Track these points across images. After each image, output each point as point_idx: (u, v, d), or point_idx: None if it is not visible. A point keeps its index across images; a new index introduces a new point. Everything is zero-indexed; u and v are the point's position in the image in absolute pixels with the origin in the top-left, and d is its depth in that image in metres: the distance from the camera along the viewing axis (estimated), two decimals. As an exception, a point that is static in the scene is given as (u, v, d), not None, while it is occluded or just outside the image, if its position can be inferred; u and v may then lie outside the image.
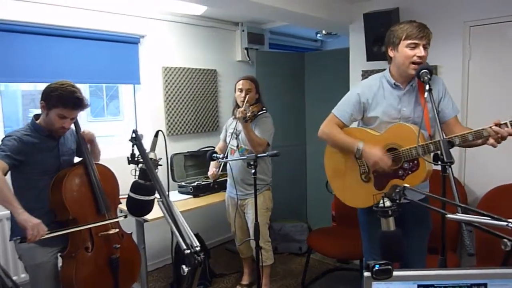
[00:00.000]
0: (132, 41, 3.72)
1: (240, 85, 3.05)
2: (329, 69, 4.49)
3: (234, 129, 3.09)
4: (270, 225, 4.18)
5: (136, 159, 1.52)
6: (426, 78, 1.82)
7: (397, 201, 1.47)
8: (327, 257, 3.70)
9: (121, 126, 7.50)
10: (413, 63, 1.96)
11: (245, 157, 2.52)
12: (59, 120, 2.16)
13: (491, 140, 1.76)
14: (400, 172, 2.00)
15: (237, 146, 3.05)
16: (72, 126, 2.33)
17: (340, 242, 3.23)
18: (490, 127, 1.73)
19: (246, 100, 2.87)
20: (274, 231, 4.19)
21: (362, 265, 3.20)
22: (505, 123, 1.71)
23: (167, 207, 1.12)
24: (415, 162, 1.94)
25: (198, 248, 1.00)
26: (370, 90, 2.13)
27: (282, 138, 4.59)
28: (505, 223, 0.93)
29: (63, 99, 2.12)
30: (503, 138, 1.74)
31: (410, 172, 1.98)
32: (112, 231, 2.35)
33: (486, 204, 2.89)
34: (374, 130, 2.13)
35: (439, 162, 1.58)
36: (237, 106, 3.10)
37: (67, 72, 3.27)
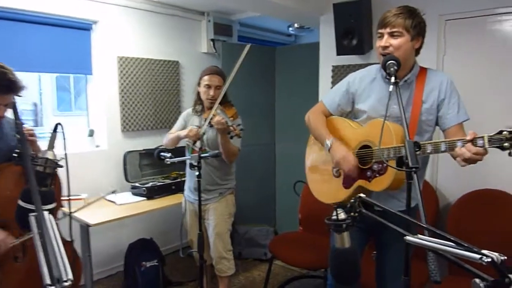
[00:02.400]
0: (83, 27, 3.39)
1: (207, 80, 2.59)
2: (301, 65, 4.25)
3: (197, 127, 2.69)
4: (235, 229, 3.93)
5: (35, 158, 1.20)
6: (392, 69, 1.58)
7: (353, 214, 1.23)
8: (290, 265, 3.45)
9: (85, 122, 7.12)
10: (382, 52, 1.74)
11: (189, 157, 2.24)
12: None
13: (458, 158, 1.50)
14: (368, 173, 1.78)
15: (201, 148, 2.69)
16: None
17: (304, 250, 3.00)
18: (463, 145, 1.46)
19: (212, 99, 2.51)
20: (238, 235, 3.94)
21: (326, 273, 2.98)
22: (482, 137, 1.41)
23: (39, 222, 0.83)
24: (385, 165, 1.70)
25: (67, 284, 0.72)
26: (361, 81, 1.93)
27: (250, 137, 4.31)
28: (477, 256, 0.69)
29: None
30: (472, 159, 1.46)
31: (377, 175, 1.75)
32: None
33: (457, 211, 2.76)
34: (357, 124, 1.93)
35: (404, 167, 1.34)
36: (199, 100, 2.72)
37: (8, 58, 2.89)
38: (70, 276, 0.77)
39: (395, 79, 1.54)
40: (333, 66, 3.47)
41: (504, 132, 1.31)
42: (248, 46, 2.23)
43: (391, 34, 1.72)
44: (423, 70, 1.86)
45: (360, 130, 1.88)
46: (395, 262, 1.88)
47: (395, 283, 1.91)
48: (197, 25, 4.17)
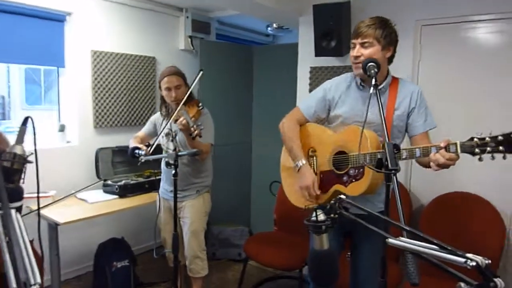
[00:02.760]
0: (57, 18, 3.26)
1: (166, 83, 2.54)
2: (279, 65, 4.25)
3: (169, 129, 2.62)
4: (209, 229, 3.87)
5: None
6: (373, 71, 1.59)
7: (332, 215, 1.22)
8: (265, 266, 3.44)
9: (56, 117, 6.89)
10: (354, 62, 1.84)
11: (166, 155, 2.19)
12: None
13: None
14: (345, 178, 1.82)
15: (175, 149, 2.63)
16: None
17: (279, 250, 2.99)
18: (437, 151, 1.50)
19: (176, 100, 2.50)
20: (212, 236, 3.89)
21: (300, 274, 2.98)
22: (455, 144, 1.46)
23: (6, 221, 0.77)
24: (361, 170, 1.75)
25: (35, 287, 0.67)
26: (337, 88, 1.98)
27: (226, 136, 4.30)
28: (462, 260, 0.68)
29: None
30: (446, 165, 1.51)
31: (354, 180, 1.79)
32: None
33: (430, 213, 2.82)
34: (332, 130, 1.96)
35: (383, 170, 1.34)
36: (164, 103, 2.69)
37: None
38: (38, 279, 0.72)
39: (375, 81, 1.54)
40: (311, 67, 3.48)
41: (475, 139, 1.37)
42: (201, 72, 2.36)
43: (363, 44, 1.79)
44: (395, 80, 1.95)
45: (335, 137, 1.91)
46: (369, 262, 1.94)
47: (369, 283, 1.94)
48: (175, 21, 4.10)
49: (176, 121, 2.39)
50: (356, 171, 1.77)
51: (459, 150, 1.44)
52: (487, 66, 2.70)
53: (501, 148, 1.31)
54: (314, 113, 2.00)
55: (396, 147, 1.40)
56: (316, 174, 1.94)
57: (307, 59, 3.49)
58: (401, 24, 2.94)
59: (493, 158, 1.34)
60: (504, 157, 1.31)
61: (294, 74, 3.64)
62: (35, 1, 3.01)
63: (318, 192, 1.86)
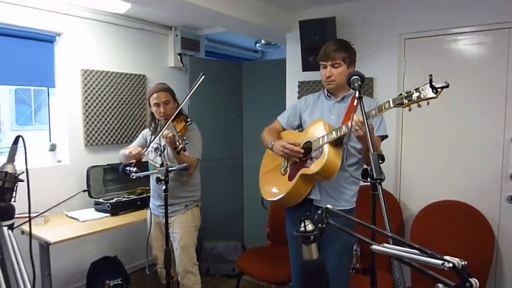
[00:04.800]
0: (47, 39, 3.29)
1: (155, 99, 2.59)
2: (268, 80, 4.31)
3: (158, 144, 2.71)
4: (202, 245, 3.87)
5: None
6: (356, 84, 1.66)
7: (320, 224, 1.25)
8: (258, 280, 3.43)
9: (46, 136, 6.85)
10: (326, 81, 2.15)
11: (156, 171, 2.21)
12: None
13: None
14: (308, 161, 2.07)
15: (162, 164, 2.69)
16: None
17: (272, 264, 2.99)
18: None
19: (165, 116, 2.57)
20: (205, 252, 3.88)
21: None
22: (388, 101, 1.68)
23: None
24: (321, 150, 2.01)
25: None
26: (307, 99, 2.36)
27: (218, 151, 4.32)
28: (440, 262, 0.72)
29: None
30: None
31: (315, 160, 2.03)
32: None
33: (420, 222, 2.85)
34: (300, 131, 2.30)
35: (368, 179, 1.38)
36: (153, 119, 2.74)
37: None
38: (31, 294, 0.73)
39: (359, 93, 1.61)
40: (299, 81, 3.55)
41: (403, 93, 1.60)
42: (202, 76, 2.54)
43: (333, 66, 2.11)
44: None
45: (302, 133, 2.24)
46: (334, 262, 2.07)
47: (335, 283, 2.00)
48: (164, 39, 4.15)
49: (164, 137, 2.43)
50: (317, 152, 2.03)
51: (391, 104, 1.65)
52: (470, 76, 2.78)
53: (423, 94, 1.52)
54: (288, 120, 2.37)
55: (381, 157, 1.44)
56: (286, 166, 2.22)
57: (295, 74, 3.56)
58: (385, 38, 3.07)
59: (419, 105, 1.56)
60: (428, 103, 1.54)
61: (283, 89, 3.70)
62: (25, 22, 3.04)
63: (297, 146, 2.10)
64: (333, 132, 1.93)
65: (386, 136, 2.14)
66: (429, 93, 1.50)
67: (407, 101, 1.56)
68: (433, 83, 1.49)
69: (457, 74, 2.81)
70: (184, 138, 2.32)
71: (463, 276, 0.68)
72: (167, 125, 2.45)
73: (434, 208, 2.82)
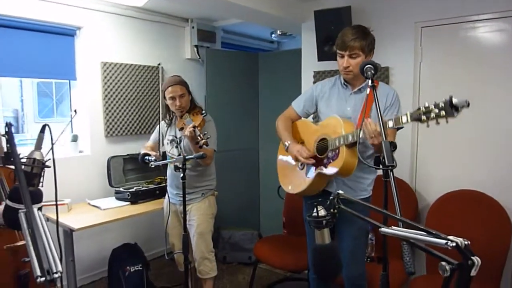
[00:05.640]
0: (68, 33, 3.39)
1: (170, 93, 2.64)
2: (284, 70, 4.33)
3: (173, 136, 2.79)
4: (219, 233, 3.95)
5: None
6: (369, 73, 1.67)
7: (332, 210, 1.29)
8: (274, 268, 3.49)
9: (69, 127, 7.01)
10: (344, 71, 2.09)
11: (174, 159, 2.27)
12: None
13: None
14: (325, 161, 2.08)
15: (179, 155, 2.76)
16: None
17: (288, 252, 3.04)
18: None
19: (180, 108, 2.63)
20: (223, 240, 3.96)
21: (309, 275, 3.02)
22: (406, 114, 1.64)
23: (30, 220, 0.85)
24: (337, 151, 2.01)
25: (57, 275, 0.75)
26: (323, 86, 2.29)
27: (234, 142, 4.38)
28: (443, 241, 0.74)
29: None
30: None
31: (331, 161, 2.04)
32: (21, 243, 2.03)
33: (436, 211, 2.84)
34: (316, 123, 2.27)
35: (380, 166, 1.40)
36: (168, 112, 2.81)
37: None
38: (60, 268, 0.80)
39: (372, 82, 1.62)
40: (314, 71, 3.55)
41: (421, 108, 1.53)
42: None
43: (350, 56, 2.03)
44: (375, 82, 2.08)
45: (316, 127, 2.22)
46: (350, 246, 2.17)
47: (351, 264, 2.17)
48: (181, 31, 4.21)
49: (181, 129, 2.52)
50: (334, 153, 2.03)
51: (409, 119, 1.60)
52: (489, 65, 2.73)
53: (442, 113, 1.43)
54: (303, 107, 2.33)
55: (393, 145, 1.46)
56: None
57: (310, 63, 3.57)
58: (401, 26, 3.05)
59: (437, 123, 1.47)
60: (446, 121, 1.45)
61: (298, 79, 3.71)
62: (46, 17, 3.13)
63: (308, 152, 2.13)
64: (349, 135, 1.90)
65: (402, 127, 2.12)
66: (449, 112, 1.42)
67: (425, 118, 1.50)
68: (454, 103, 1.42)
69: (475, 63, 2.78)
70: (205, 132, 2.39)
71: (466, 254, 0.71)
72: (184, 118, 2.53)
73: (451, 198, 2.80)
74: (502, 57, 2.69)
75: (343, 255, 2.15)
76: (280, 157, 2.47)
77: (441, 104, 1.43)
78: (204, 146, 2.36)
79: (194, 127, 2.38)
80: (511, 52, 2.65)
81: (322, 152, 2.10)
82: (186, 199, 2.70)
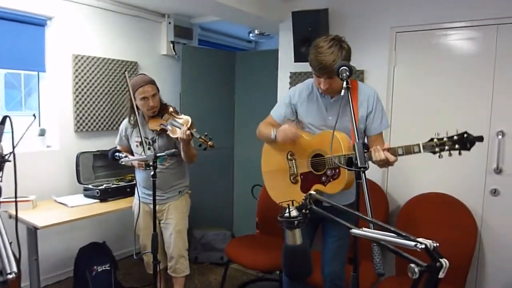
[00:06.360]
0: (37, 23, 3.27)
1: (142, 93, 2.50)
2: (260, 70, 4.32)
3: (144, 137, 2.63)
4: (191, 233, 3.89)
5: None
6: (344, 75, 1.66)
7: (304, 210, 1.27)
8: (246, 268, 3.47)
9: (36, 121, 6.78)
10: (323, 91, 2.03)
11: (144, 157, 2.21)
12: None
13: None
14: (323, 178, 2.02)
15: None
16: None
17: (260, 252, 3.03)
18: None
19: (153, 109, 2.58)
20: (195, 240, 3.90)
21: (281, 275, 3.02)
22: (418, 144, 1.65)
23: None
24: (337, 170, 1.95)
25: (10, 276, 0.70)
26: (300, 94, 2.20)
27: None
28: (413, 243, 0.74)
29: None
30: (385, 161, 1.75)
31: (331, 180, 1.99)
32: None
33: (406, 213, 2.90)
34: (309, 134, 2.15)
35: (353, 167, 1.41)
36: (133, 112, 2.57)
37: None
38: (14, 268, 0.75)
39: (347, 84, 1.62)
40: (291, 72, 3.56)
41: (435, 140, 1.54)
42: None
43: (329, 77, 1.93)
44: (354, 83, 2.09)
45: (311, 141, 2.10)
46: (334, 247, 2.18)
47: (336, 261, 2.18)
48: (157, 26, 4.13)
49: (162, 130, 2.49)
50: (333, 171, 1.97)
51: (422, 150, 1.58)
52: (460, 71, 2.81)
53: (456, 146, 1.47)
54: (284, 117, 2.24)
55: (365, 147, 1.47)
56: (296, 175, 2.15)
57: (287, 64, 3.57)
58: (377, 31, 3.09)
59: (450, 154, 1.51)
60: (459, 153, 1.48)
61: (275, 79, 3.71)
62: (16, 5, 3.01)
63: (297, 129, 2.05)
64: (353, 158, 1.78)
65: (388, 127, 2.14)
66: (462, 145, 1.46)
67: (438, 150, 1.52)
68: (469, 137, 1.45)
69: (446, 68, 2.85)
70: (206, 133, 2.37)
71: (435, 256, 0.71)
72: (164, 119, 2.49)
73: (420, 200, 2.86)
74: (472, 64, 2.76)
75: (327, 253, 2.21)
76: (266, 159, 2.37)
77: (455, 137, 1.47)
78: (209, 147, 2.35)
79: (189, 129, 2.35)
80: (481, 58, 2.73)
81: (317, 169, 2.04)
82: (163, 197, 2.68)
